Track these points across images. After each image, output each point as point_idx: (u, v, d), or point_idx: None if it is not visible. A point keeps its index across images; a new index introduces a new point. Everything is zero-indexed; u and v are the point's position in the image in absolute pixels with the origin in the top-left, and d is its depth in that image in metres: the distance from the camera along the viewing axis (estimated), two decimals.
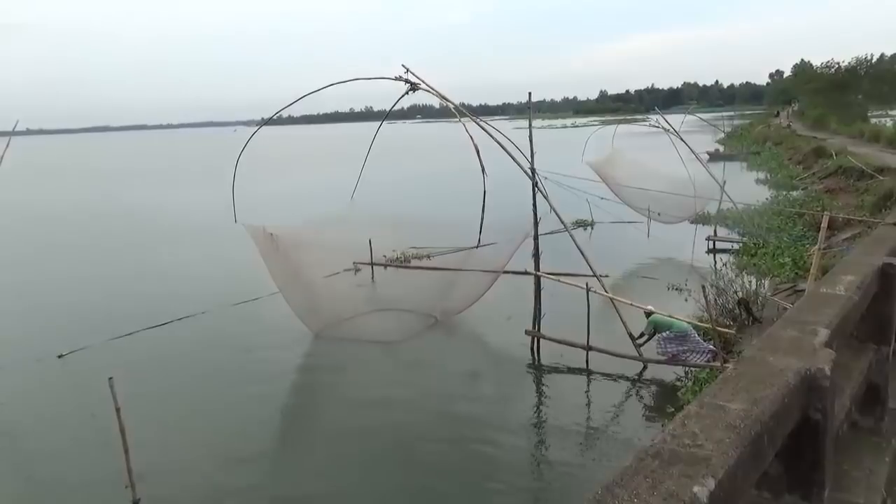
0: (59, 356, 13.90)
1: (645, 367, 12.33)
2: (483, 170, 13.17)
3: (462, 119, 14.06)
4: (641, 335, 12.51)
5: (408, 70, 13.69)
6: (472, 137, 13.11)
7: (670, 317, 12.38)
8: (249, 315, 16.01)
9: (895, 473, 3.66)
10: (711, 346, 11.77)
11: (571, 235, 14.02)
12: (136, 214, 34.19)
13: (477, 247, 15.35)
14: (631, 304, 12.71)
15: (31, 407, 11.99)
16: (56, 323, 16.50)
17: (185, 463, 9.71)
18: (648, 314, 12.55)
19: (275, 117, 18.51)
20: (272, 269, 13.78)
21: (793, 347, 2.57)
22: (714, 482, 1.58)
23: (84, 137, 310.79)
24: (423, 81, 14.03)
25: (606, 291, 13.17)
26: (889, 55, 69.74)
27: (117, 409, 7.91)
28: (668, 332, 12.21)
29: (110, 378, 7.93)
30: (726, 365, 9.26)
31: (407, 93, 14.10)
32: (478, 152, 13.18)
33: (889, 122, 46.12)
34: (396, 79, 13.71)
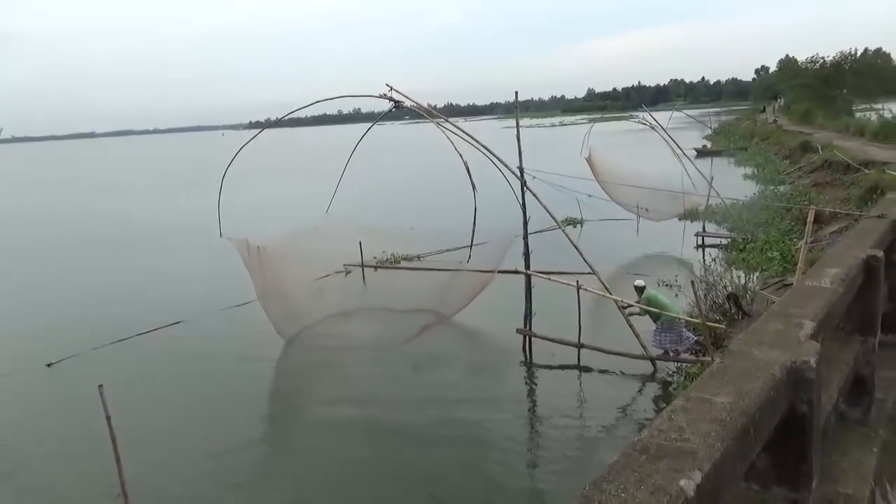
0: (48, 364, 13.80)
1: (653, 366, 12.32)
2: (473, 186, 13.22)
3: (446, 132, 14.08)
4: (632, 306, 12.45)
5: (392, 88, 13.92)
6: (461, 155, 13.17)
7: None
8: (240, 320, 15.92)
9: (883, 464, 3.70)
10: (693, 336, 11.85)
11: (566, 233, 14.03)
12: (122, 221, 33.99)
13: (468, 260, 15.42)
14: (622, 301, 12.74)
15: (20, 416, 11.88)
16: (44, 331, 16.38)
17: (178, 470, 9.66)
18: (641, 288, 12.56)
19: (265, 124, 18.60)
20: (256, 281, 13.73)
21: (778, 340, 2.59)
22: (701, 475, 1.60)
23: (70, 144, 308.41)
24: (406, 98, 14.17)
25: (606, 287, 13.16)
26: (872, 50, 70.46)
27: (108, 417, 7.84)
28: (661, 323, 12.24)
29: (100, 386, 7.87)
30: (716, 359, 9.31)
31: (391, 110, 14.34)
32: (467, 168, 13.24)
33: (874, 116, 46.48)
34: (381, 97, 13.92)
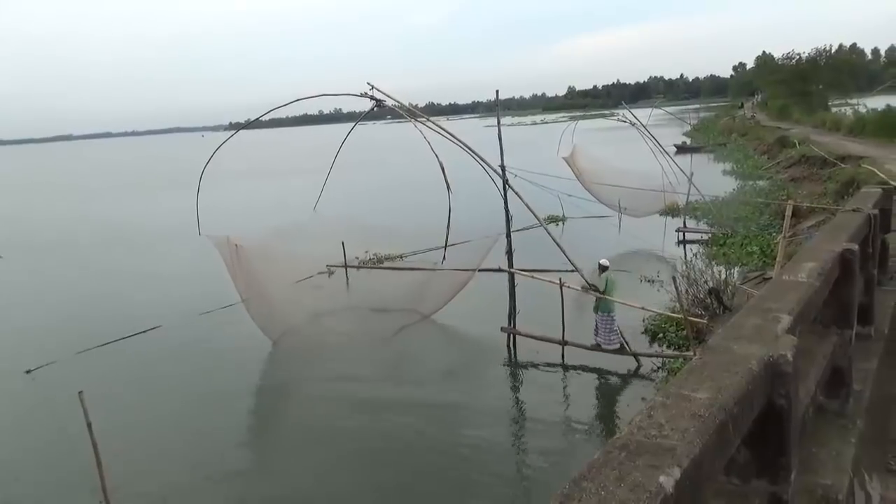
0: (28, 371, 13.60)
1: (637, 362, 12.41)
2: (448, 187, 13.21)
3: (427, 134, 13.98)
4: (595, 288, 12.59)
5: (373, 87, 13.83)
6: (437, 156, 13.14)
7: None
8: (220, 323, 15.79)
9: (861, 454, 3.75)
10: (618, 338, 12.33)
11: (548, 231, 14.09)
12: (101, 225, 33.57)
13: (443, 261, 15.38)
14: (604, 297, 12.80)
15: (0, 424, 11.72)
16: (23, 338, 16.13)
17: (160, 475, 9.56)
18: (604, 268, 12.67)
19: (244, 125, 18.43)
20: (237, 280, 13.63)
21: (756, 335, 2.61)
22: (679, 471, 1.60)
23: (47, 147, 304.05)
24: (388, 97, 14.11)
25: (589, 284, 13.20)
26: (847, 46, 71.52)
27: (88, 424, 7.74)
28: (604, 315, 12.45)
29: (80, 392, 7.77)
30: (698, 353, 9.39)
31: (373, 109, 14.25)
32: (443, 170, 13.21)
33: (849, 111, 47.14)
34: (361, 95, 13.81)
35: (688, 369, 2.26)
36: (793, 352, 2.42)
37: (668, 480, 1.56)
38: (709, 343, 2.60)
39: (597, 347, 12.57)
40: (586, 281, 12.98)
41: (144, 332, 15.51)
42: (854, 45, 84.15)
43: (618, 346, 12.46)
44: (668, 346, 12.88)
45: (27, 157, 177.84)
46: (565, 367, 12.62)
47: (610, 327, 12.48)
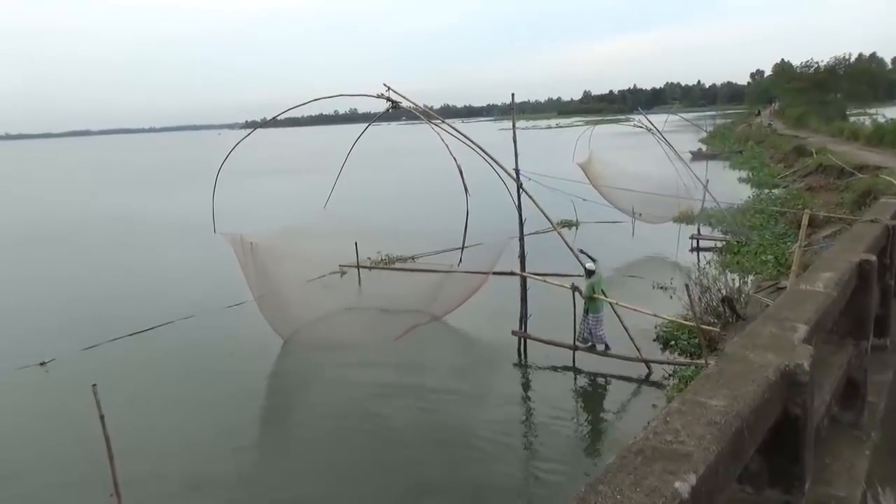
0: (42, 363, 13.74)
1: (648, 368, 12.36)
2: (466, 189, 13.20)
3: (443, 136, 14.00)
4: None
5: (389, 88, 13.87)
6: (455, 159, 13.14)
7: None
8: (235, 319, 15.90)
9: (875, 466, 3.72)
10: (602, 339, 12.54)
11: (561, 235, 14.07)
12: (118, 220, 33.87)
13: (458, 264, 15.40)
14: (617, 304, 12.77)
15: (12, 415, 11.84)
16: (38, 330, 16.30)
17: (172, 469, 9.64)
18: (591, 272, 12.67)
19: (261, 123, 18.50)
20: (249, 278, 13.71)
21: (773, 344, 2.60)
22: (696, 477, 1.60)
23: (65, 141, 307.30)
24: (404, 98, 14.14)
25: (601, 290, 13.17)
26: (867, 55, 70.86)
27: (101, 417, 7.81)
28: (593, 315, 12.50)
29: (94, 385, 7.84)
30: (710, 362, 9.34)
31: (388, 110, 14.31)
32: (461, 172, 13.20)
33: (867, 121, 46.71)
34: (378, 97, 13.85)
35: (703, 376, 2.26)
36: (809, 361, 2.41)
37: (684, 486, 1.56)
38: (724, 350, 2.59)
39: (606, 352, 12.54)
40: (603, 293, 13.02)
41: (157, 327, 15.64)
42: (874, 55, 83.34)
43: (602, 347, 12.61)
44: (680, 354, 12.81)
45: (47, 151, 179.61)
46: (576, 372, 12.58)
47: (596, 328, 12.59)
